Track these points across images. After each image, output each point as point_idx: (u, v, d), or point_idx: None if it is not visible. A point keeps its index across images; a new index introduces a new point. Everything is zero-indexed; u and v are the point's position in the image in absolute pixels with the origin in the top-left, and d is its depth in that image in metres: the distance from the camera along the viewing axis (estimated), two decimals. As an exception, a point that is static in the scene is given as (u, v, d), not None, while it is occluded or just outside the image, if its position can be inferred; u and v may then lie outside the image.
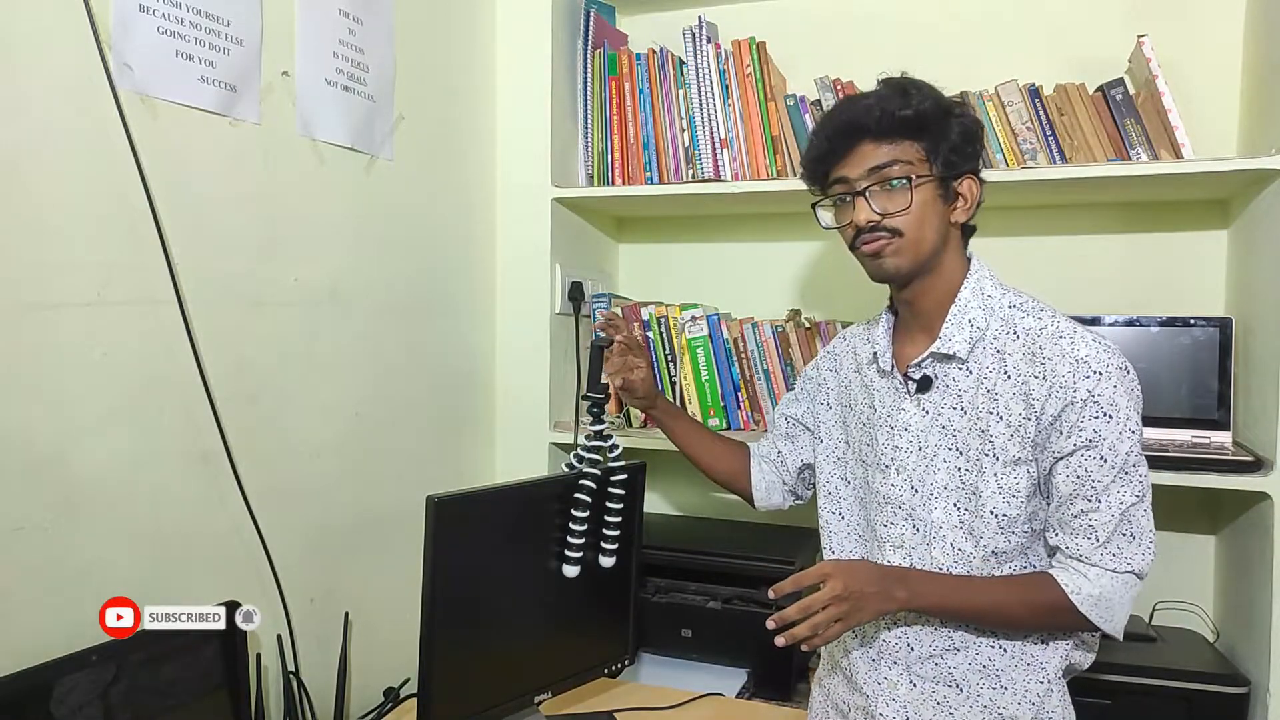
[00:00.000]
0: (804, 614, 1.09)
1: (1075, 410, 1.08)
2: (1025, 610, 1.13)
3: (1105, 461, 1.08)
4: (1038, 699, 1.15)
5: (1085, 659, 1.20)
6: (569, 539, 1.42)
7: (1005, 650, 1.16)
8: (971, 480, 1.15)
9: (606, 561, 1.48)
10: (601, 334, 1.43)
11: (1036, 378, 1.11)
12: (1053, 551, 1.15)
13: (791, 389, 1.48)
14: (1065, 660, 1.17)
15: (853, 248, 1.20)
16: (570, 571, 1.43)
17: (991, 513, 1.13)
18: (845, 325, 1.51)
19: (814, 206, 1.25)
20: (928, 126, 1.14)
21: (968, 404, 1.16)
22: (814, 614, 1.08)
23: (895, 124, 1.13)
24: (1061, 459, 1.10)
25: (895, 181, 1.13)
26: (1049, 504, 1.14)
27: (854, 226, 1.16)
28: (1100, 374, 1.08)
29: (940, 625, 1.17)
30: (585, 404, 1.43)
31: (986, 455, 1.14)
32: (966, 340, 1.16)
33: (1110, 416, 1.08)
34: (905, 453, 1.20)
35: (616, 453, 1.45)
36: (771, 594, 1.13)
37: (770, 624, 1.11)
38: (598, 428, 1.43)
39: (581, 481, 1.41)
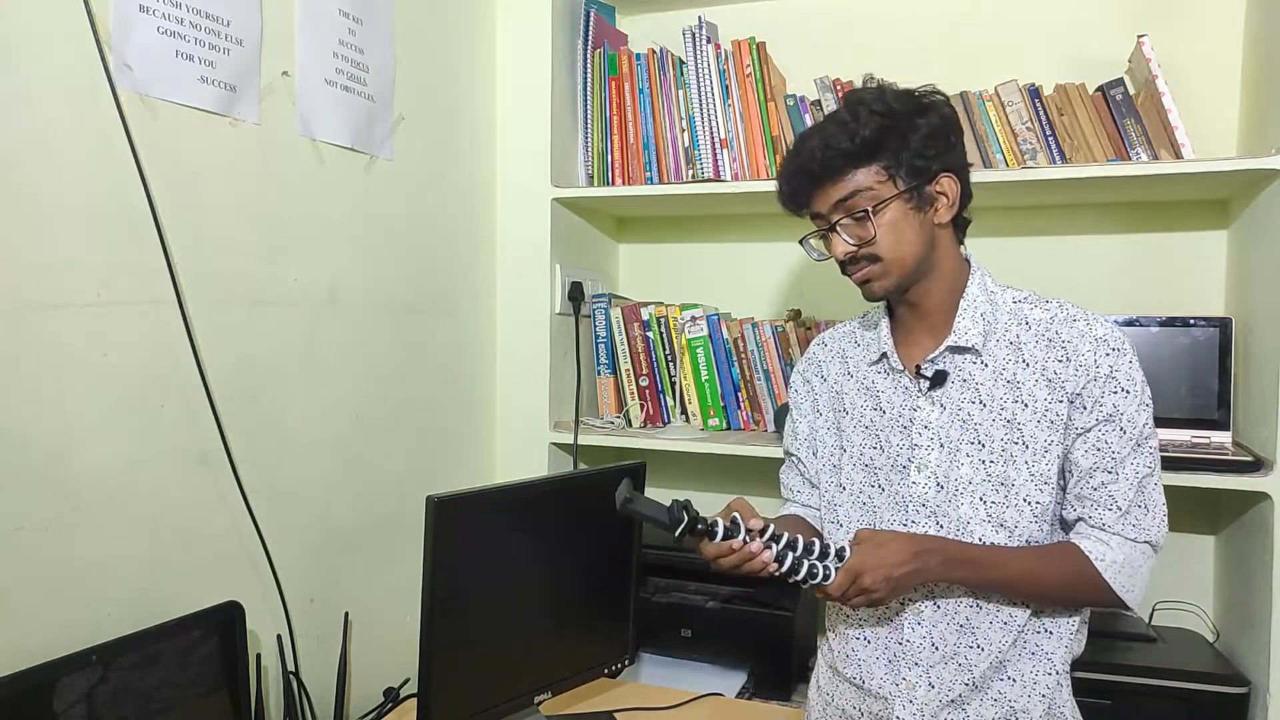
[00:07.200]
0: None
1: (1097, 386, 1.12)
2: (1054, 578, 1.14)
3: (1125, 433, 1.12)
4: (1048, 690, 1.16)
5: (1080, 645, 1.21)
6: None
7: (1016, 643, 1.16)
8: (999, 471, 1.15)
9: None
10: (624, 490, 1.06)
11: (1059, 361, 1.14)
12: (1070, 526, 1.17)
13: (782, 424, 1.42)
14: (1069, 651, 1.18)
15: (844, 273, 1.23)
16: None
17: (1025, 500, 1.15)
18: (845, 325, 1.50)
19: (802, 242, 1.27)
20: (879, 147, 1.13)
21: (986, 396, 1.17)
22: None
23: (841, 159, 1.14)
24: (1082, 434, 1.13)
25: (859, 212, 1.15)
26: (1067, 481, 1.16)
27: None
28: (1118, 350, 1.13)
29: (962, 622, 1.16)
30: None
31: (1016, 444, 1.15)
32: (980, 333, 1.18)
33: (1129, 392, 1.12)
34: (926, 450, 1.19)
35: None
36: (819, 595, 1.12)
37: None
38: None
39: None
